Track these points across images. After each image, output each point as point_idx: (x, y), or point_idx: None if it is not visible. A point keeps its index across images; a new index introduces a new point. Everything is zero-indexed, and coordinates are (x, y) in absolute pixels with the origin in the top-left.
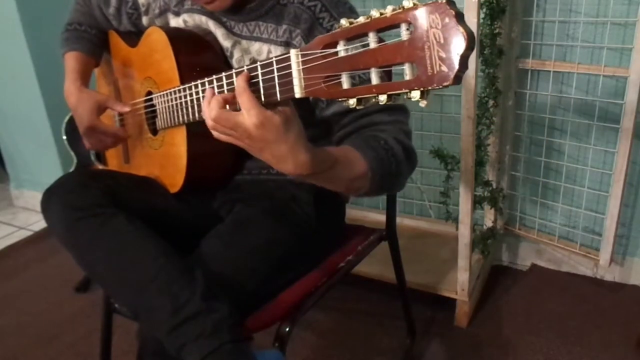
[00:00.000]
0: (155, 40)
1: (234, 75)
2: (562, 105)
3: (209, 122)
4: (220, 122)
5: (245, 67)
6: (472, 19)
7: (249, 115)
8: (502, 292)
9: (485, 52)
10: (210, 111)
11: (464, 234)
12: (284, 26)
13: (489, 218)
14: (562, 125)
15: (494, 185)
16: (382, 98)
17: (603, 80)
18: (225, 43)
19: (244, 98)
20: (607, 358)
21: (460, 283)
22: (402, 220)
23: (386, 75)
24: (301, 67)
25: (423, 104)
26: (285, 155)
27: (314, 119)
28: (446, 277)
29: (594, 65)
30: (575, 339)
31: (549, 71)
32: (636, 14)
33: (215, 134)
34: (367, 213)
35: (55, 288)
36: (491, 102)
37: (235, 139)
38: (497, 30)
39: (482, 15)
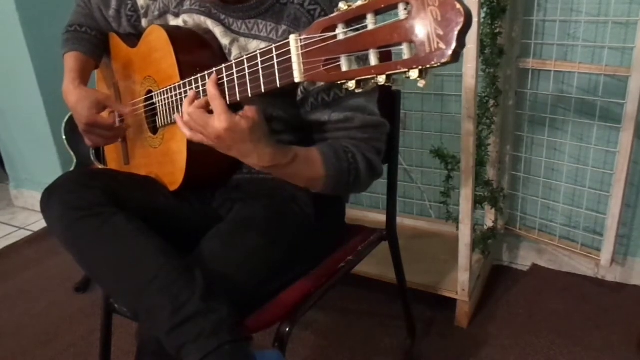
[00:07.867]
0: (155, 39)
1: (223, 70)
2: (563, 105)
3: (185, 117)
4: (193, 117)
5: (244, 56)
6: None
7: (219, 120)
8: (503, 292)
9: (485, 51)
10: (187, 107)
11: (465, 234)
12: (284, 27)
13: (489, 218)
14: (563, 125)
15: (495, 185)
16: (381, 79)
17: (604, 80)
18: (224, 41)
19: (215, 104)
20: (608, 358)
21: (460, 283)
22: (402, 220)
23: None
24: (300, 52)
25: (422, 83)
26: (250, 152)
27: (298, 123)
28: (446, 277)
29: (595, 65)
30: (576, 339)
31: (550, 71)
32: (637, 14)
33: (185, 131)
34: (367, 213)
35: (55, 288)
36: (492, 102)
37: (204, 137)
38: (497, 30)
39: (482, 15)
